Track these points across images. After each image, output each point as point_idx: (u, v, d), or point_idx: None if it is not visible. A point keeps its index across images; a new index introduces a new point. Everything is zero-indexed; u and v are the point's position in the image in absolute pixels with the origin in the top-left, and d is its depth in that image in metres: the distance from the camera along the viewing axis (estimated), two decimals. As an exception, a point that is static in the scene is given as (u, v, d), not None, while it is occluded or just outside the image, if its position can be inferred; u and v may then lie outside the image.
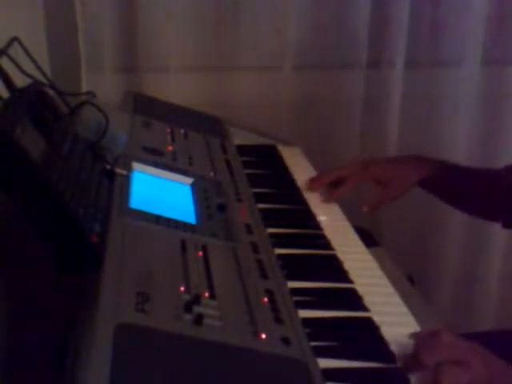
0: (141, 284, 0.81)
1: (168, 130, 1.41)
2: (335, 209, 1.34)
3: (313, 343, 0.87)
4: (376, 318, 0.96)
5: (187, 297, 0.82)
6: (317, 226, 1.24)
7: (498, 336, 1.35)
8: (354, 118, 1.83)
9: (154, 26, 1.68)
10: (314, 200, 1.35)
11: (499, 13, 1.85)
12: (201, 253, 0.95)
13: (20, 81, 1.07)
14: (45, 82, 1.15)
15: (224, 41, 1.76)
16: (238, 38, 1.75)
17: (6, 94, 1.02)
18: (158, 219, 1.01)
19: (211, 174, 1.28)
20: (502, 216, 1.40)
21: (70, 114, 1.14)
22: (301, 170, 1.50)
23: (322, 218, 1.27)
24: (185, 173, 1.23)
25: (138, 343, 0.72)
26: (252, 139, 1.65)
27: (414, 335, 0.88)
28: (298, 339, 0.84)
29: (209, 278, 0.89)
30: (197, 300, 0.82)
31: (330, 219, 1.28)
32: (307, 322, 0.92)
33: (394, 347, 0.89)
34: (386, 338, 0.91)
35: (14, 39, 1.11)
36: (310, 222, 1.26)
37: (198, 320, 0.78)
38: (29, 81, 1.09)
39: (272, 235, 1.15)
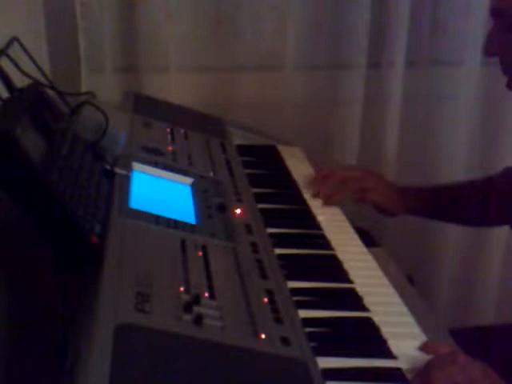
0: (141, 284, 0.81)
1: (168, 130, 1.41)
2: (335, 209, 1.34)
3: (313, 343, 0.87)
4: (376, 318, 0.96)
5: (187, 297, 0.82)
6: (317, 225, 1.24)
7: (499, 330, 1.35)
8: (354, 118, 1.83)
9: (154, 26, 1.68)
10: (313, 200, 1.35)
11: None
12: (201, 253, 0.95)
13: (20, 81, 1.07)
14: (45, 82, 1.15)
15: (224, 41, 1.76)
16: (238, 38, 1.75)
17: (6, 93, 1.02)
18: (157, 219, 1.01)
19: (211, 174, 1.28)
20: (507, 220, 1.40)
21: (69, 114, 1.13)
22: (301, 170, 1.50)
23: (320, 218, 1.27)
24: (185, 173, 1.23)
25: (138, 343, 0.72)
26: (252, 139, 1.65)
27: (426, 348, 0.88)
28: (297, 339, 0.84)
29: (209, 278, 0.89)
30: (196, 300, 0.82)
31: (330, 219, 1.28)
32: (307, 322, 0.92)
33: (393, 347, 0.89)
34: (385, 338, 0.91)
35: (14, 39, 1.11)
36: (309, 221, 1.25)
37: (198, 320, 0.78)
38: (29, 81, 1.09)
39: (272, 235, 1.15)
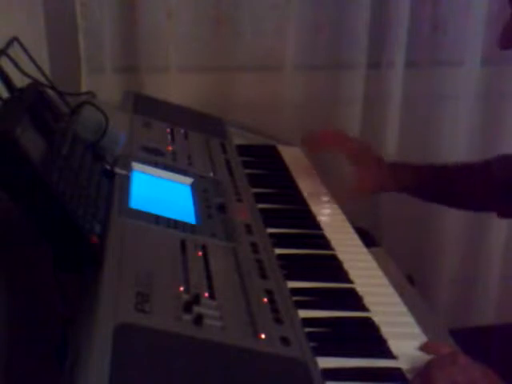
0: (141, 284, 0.81)
1: (168, 130, 1.41)
2: (335, 209, 1.34)
3: (313, 343, 0.87)
4: (376, 318, 0.96)
5: (187, 297, 0.82)
6: (317, 225, 1.24)
7: (499, 330, 1.36)
8: (354, 118, 1.83)
9: (154, 25, 1.68)
10: (313, 200, 1.35)
11: (499, 13, 1.85)
12: (201, 253, 0.95)
13: (20, 81, 1.07)
14: (45, 82, 1.15)
15: (224, 41, 1.76)
16: (238, 38, 1.76)
17: (6, 93, 1.02)
18: (157, 219, 1.01)
19: (211, 173, 1.28)
20: (497, 207, 1.40)
21: (69, 114, 1.13)
22: (301, 170, 1.50)
23: (320, 218, 1.27)
24: (185, 173, 1.23)
25: (138, 343, 0.72)
26: (252, 139, 1.65)
27: (426, 349, 0.88)
28: (297, 339, 0.84)
29: (209, 277, 0.89)
30: (196, 300, 0.82)
31: (330, 219, 1.28)
32: (307, 322, 0.92)
33: (393, 347, 0.89)
34: (385, 338, 0.91)
35: (14, 39, 1.11)
36: (309, 221, 1.25)
37: (198, 320, 0.78)
38: (29, 81, 1.09)
39: (272, 235, 1.15)
